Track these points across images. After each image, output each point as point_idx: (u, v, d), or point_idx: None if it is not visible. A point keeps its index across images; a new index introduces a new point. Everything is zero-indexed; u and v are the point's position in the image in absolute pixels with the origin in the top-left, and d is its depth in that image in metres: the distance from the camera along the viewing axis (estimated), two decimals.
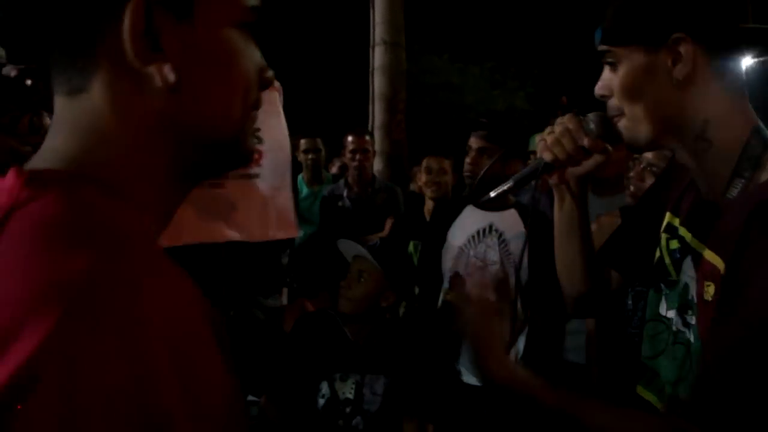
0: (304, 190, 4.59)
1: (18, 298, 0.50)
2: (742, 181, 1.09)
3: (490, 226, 2.92)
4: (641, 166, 2.51)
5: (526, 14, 15.72)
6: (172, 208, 0.70)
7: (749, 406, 0.97)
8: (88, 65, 0.63)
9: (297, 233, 2.80)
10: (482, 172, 1.38)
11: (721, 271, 1.07)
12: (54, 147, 0.64)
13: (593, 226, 2.59)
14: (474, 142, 2.97)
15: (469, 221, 2.98)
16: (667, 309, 1.25)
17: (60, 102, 0.66)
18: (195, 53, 0.64)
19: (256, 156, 2.55)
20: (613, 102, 1.18)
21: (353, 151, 4.16)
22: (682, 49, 1.09)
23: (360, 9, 7.18)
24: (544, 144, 1.31)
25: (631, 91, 1.14)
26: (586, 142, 1.26)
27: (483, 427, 2.92)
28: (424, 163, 3.66)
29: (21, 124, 2.34)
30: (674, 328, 1.22)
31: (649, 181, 2.27)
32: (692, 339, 1.16)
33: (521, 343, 2.91)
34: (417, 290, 3.38)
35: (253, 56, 0.69)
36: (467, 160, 2.99)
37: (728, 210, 1.10)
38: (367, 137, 4.26)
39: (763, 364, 0.95)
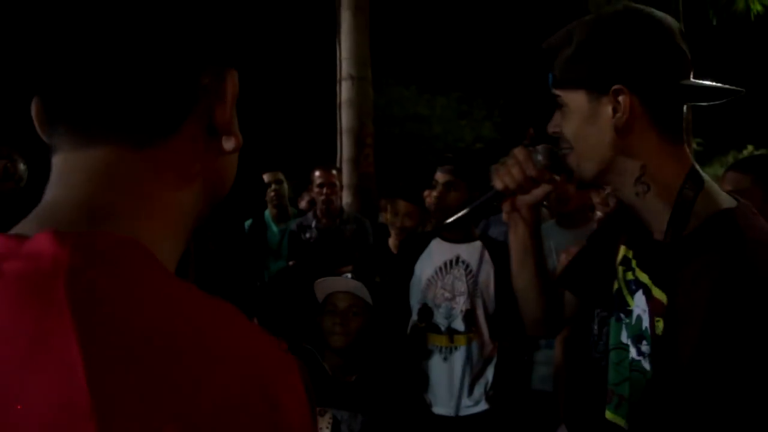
0: (273, 228, 4.61)
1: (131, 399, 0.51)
2: (679, 220, 1.18)
3: (457, 258, 2.98)
4: (605, 191, 2.55)
5: (492, 45, 16.00)
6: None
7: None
8: (167, 128, 0.65)
9: None
10: (453, 219, 1.47)
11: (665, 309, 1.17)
12: (83, 202, 0.62)
13: (563, 257, 2.66)
14: (440, 177, 3.03)
15: (436, 254, 3.03)
16: (627, 337, 1.31)
17: (98, 154, 0.64)
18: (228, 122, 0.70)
19: None
20: (563, 139, 1.28)
21: (320, 185, 4.19)
22: (621, 99, 1.17)
23: (326, 44, 7.28)
24: (496, 173, 1.40)
25: (577, 132, 1.24)
26: (533, 172, 1.35)
27: None
28: (393, 203, 3.70)
29: None
30: (630, 357, 1.29)
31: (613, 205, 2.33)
32: (648, 368, 1.23)
33: (490, 373, 2.95)
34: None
35: None
36: (434, 193, 3.05)
37: (673, 252, 1.18)
38: (334, 171, 4.30)
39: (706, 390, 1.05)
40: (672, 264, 1.16)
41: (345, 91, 6.58)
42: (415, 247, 3.13)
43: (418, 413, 2.97)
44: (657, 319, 1.19)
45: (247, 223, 4.64)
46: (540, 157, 1.35)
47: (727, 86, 1.24)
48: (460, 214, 1.45)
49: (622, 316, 1.33)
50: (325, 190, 4.16)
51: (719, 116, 16.93)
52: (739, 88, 1.23)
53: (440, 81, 16.34)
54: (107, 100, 0.63)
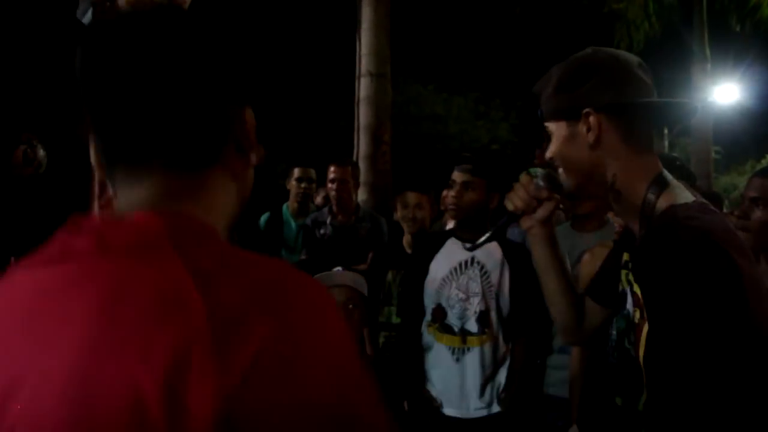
0: (292, 223, 4.58)
1: (234, 303, 0.69)
2: (645, 219, 1.39)
3: (472, 259, 2.96)
4: None
5: (510, 46, 15.94)
6: None
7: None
8: (212, 156, 0.84)
9: None
10: (480, 241, 1.75)
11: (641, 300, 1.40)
12: (154, 207, 0.80)
13: (586, 256, 2.68)
14: (458, 176, 3.01)
15: (451, 254, 3.01)
16: (623, 329, 1.54)
17: (155, 181, 0.81)
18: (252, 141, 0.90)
19: None
20: (556, 163, 1.52)
21: (332, 180, 4.18)
22: (591, 120, 1.41)
23: (347, 41, 7.27)
24: (507, 197, 1.63)
25: (561, 153, 1.48)
26: (535, 193, 1.58)
27: None
28: (402, 197, 3.69)
29: (15, 156, 2.37)
30: (625, 345, 1.53)
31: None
32: (633, 354, 1.47)
33: (502, 376, 2.93)
34: (398, 321, 3.41)
35: None
36: (452, 193, 3.03)
37: (641, 249, 1.39)
38: (349, 167, 4.28)
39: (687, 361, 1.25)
40: (641, 258, 1.40)
41: (364, 88, 6.57)
42: (430, 245, 3.11)
43: (427, 413, 2.96)
44: (635, 309, 1.45)
45: (264, 217, 4.62)
46: (540, 181, 1.58)
47: (680, 100, 1.53)
48: (484, 238, 1.69)
49: (623, 312, 1.55)
50: (336, 186, 4.14)
51: (738, 126, 16.80)
52: (693, 103, 1.54)
53: (458, 81, 16.29)
54: (164, 141, 0.80)
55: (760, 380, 1.17)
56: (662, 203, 1.37)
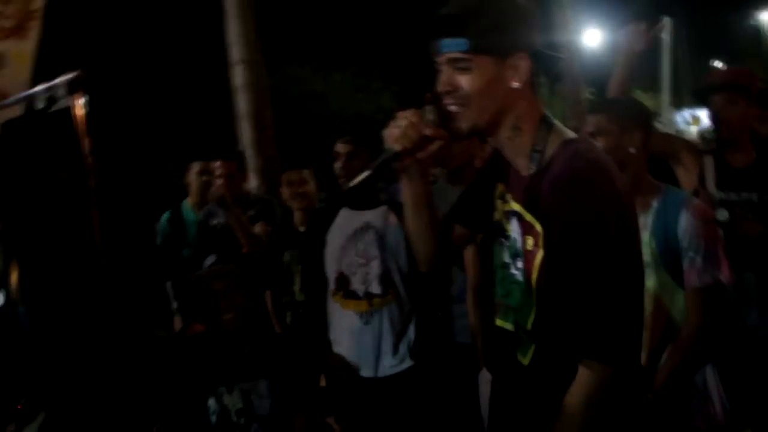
0: (191, 216, 4.52)
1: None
2: (537, 154, 1.52)
3: (367, 224, 3.06)
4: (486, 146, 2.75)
5: (382, 16, 16.03)
6: None
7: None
8: None
9: None
10: (357, 181, 1.62)
11: (539, 229, 1.50)
12: None
13: None
14: (341, 148, 3.09)
15: (345, 222, 3.10)
16: (508, 257, 1.62)
17: None
18: None
19: None
20: (455, 97, 1.50)
21: (220, 176, 4.18)
22: (522, 64, 1.48)
23: (215, 28, 7.14)
24: (392, 136, 1.56)
25: (479, 90, 1.48)
26: (428, 131, 1.54)
27: (380, 417, 3.04)
28: (284, 177, 3.75)
29: None
30: (511, 272, 1.61)
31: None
32: (520, 279, 1.57)
33: (412, 331, 3.04)
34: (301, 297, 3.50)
35: None
36: (338, 165, 3.11)
37: (535, 181, 1.51)
38: (235, 161, 4.22)
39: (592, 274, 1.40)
40: (536, 189, 1.49)
41: (238, 75, 6.52)
42: (323, 218, 3.19)
43: (345, 378, 3.06)
44: (527, 237, 1.53)
45: (165, 216, 4.53)
46: (431, 117, 1.54)
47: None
48: (362, 176, 1.58)
49: (503, 240, 1.63)
50: (225, 181, 4.16)
51: (608, 67, 17.53)
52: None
53: (334, 57, 16.29)
54: None
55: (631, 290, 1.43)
56: (554, 139, 1.51)
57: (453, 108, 1.51)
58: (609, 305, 1.39)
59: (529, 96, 1.53)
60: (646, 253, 2.15)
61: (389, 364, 3.02)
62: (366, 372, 3.03)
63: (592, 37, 17.11)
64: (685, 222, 2.18)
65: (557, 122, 1.57)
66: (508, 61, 1.47)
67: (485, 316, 2.81)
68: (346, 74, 16.99)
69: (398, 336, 3.02)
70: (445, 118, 1.53)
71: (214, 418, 2.67)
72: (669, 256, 2.20)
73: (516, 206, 1.58)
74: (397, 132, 1.54)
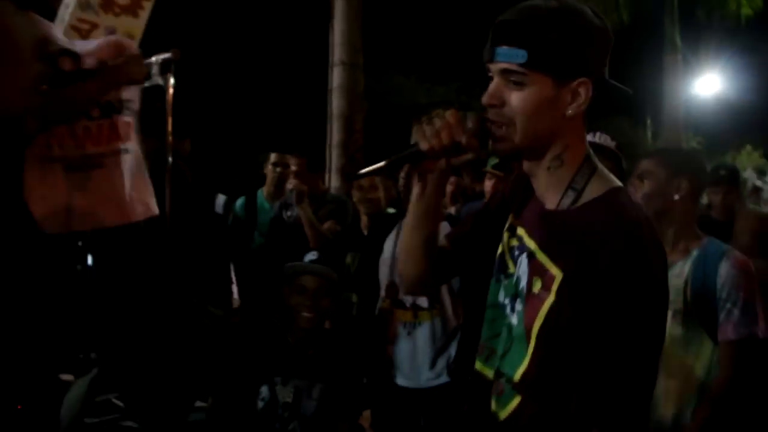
0: (265, 205, 4.68)
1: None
2: (573, 192, 1.34)
3: None
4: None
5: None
6: None
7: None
8: None
9: (156, 211, 2.79)
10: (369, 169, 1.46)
11: (554, 273, 1.31)
12: None
13: None
14: None
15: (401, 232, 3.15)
16: (504, 297, 1.44)
17: None
18: None
19: (126, 130, 2.61)
20: (501, 112, 1.33)
21: (274, 164, 4.50)
22: (583, 91, 1.30)
23: (320, 30, 7.37)
24: (422, 133, 1.39)
25: (531, 111, 1.30)
26: (463, 139, 1.37)
27: (416, 427, 3.08)
28: (356, 181, 3.84)
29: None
30: (505, 315, 1.42)
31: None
32: (515, 322, 1.38)
33: (453, 348, 3.07)
34: (355, 299, 3.57)
35: (26, 29, 0.73)
36: (402, 175, 3.18)
37: (563, 219, 1.33)
38: (305, 159, 4.35)
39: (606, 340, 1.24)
40: (563, 229, 1.32)
41: (336, 77, 6.68)
42: (384, 225, 3.26)
43: (382, 384, 3.11)
44: (535, 278, 1.34)
45: (240, 201, 4.72)
46: (470, 124, 1.37)
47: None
48: (376, 166, 1.42)
49: (502, 277, 1.46)
50: (278, 170, 4.40)
51: (720, 116, 16.93)
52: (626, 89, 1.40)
53: (440, 70, 16.35)
54: None
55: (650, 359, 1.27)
56: (596, 183, 1.34)
57: (495, 124, 1.34)
58: (633, 377, 1.25)
59: (579, 127, 1.36)
60: (679, 301, 2.11)
61: (426, 377, 3.05)
62: (402, 381, 3.08)
63: (709, 85, 16.47)
64: (724, 272, 2.13)
65: (601, 164, 1.39)
66: (569, 85, 1.29)
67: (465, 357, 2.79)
68: (450, 89, 17.02)
69: (438, 351, 3.05)
70: (484, 132, 1.36)
71: (261, 404, 2.71)
72: (703, 305, 2.14)
73: (529, 243, 1.40)
74: (429, 131, 1.38)
